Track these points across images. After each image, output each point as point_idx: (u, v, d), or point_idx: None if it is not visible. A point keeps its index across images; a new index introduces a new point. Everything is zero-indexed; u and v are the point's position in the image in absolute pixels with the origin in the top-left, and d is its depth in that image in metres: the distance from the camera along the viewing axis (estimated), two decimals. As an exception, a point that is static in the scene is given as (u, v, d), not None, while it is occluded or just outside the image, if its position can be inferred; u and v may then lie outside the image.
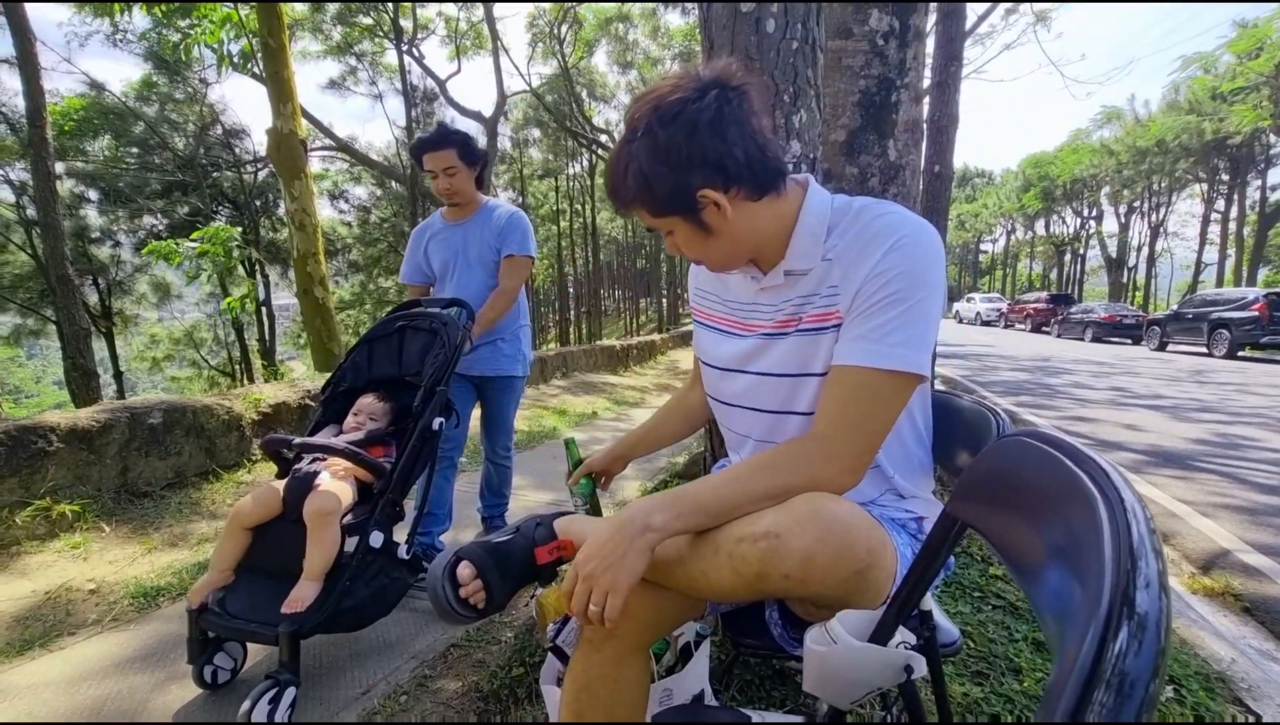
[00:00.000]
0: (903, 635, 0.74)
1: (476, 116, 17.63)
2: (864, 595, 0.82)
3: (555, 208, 34.74)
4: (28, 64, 8.07)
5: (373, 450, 1.89)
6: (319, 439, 1.88)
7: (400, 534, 1.89)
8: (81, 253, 17.31)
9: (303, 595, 1.57)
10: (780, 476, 0.87)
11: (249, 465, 3.69)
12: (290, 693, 1.52)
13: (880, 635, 0.74)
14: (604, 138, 21.04)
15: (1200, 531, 2.96)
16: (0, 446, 2.65)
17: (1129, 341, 17.59)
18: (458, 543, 2.67)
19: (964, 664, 1.70)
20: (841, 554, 0.77)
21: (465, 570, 1.00)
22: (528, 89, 19.15)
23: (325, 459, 1.82)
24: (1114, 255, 37.45)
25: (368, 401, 2.04)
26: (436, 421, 1.93)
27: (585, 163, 29.94)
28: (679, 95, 0.88)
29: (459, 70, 19.83)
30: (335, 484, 1.73)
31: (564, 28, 18.73)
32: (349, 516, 1.73)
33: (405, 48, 17.82)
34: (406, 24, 17.90)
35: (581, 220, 34.78)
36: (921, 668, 0.72)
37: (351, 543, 1.71)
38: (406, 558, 1.87)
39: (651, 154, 0.89)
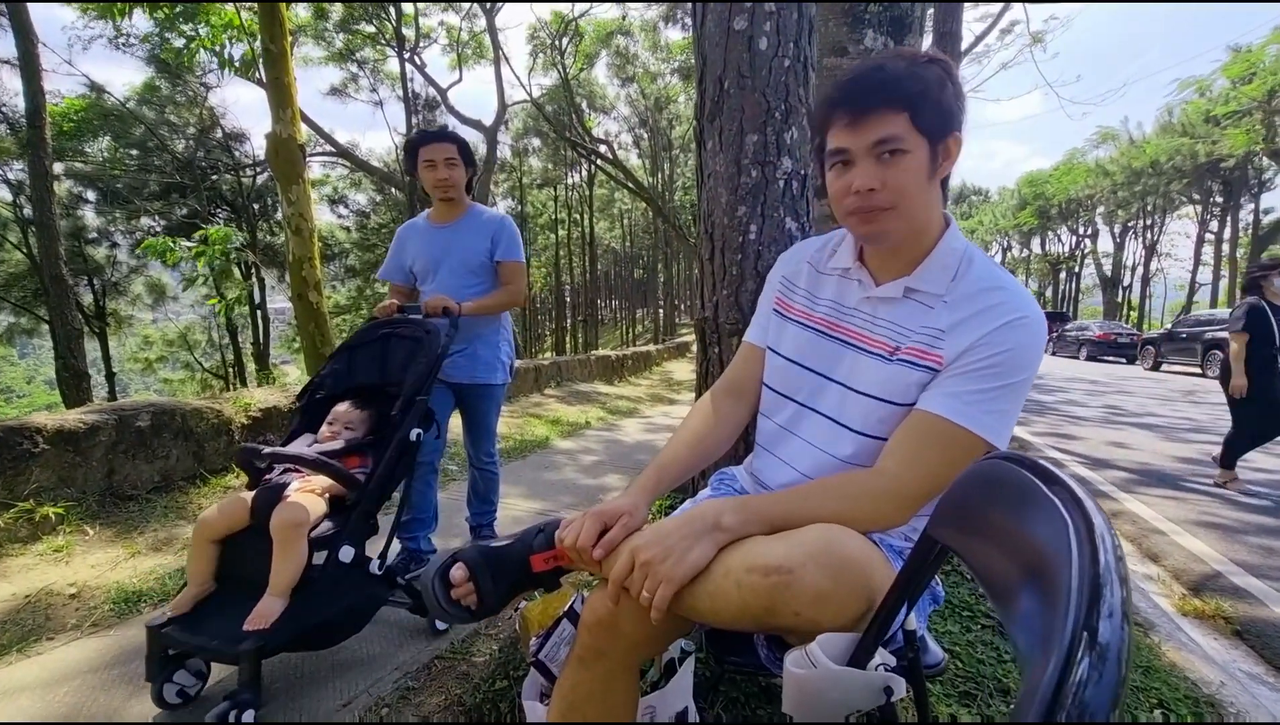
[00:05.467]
0: (882, 657, 0.73)
1: (477, 125, 17.71)
2: (860, 626, 0.81)
3: (554, 217, 34.83)
4: (29, 64, 8.08)
5: (348, 460, 1.82)
6: (292, 448, 1.83)
7: (376, 547, 1.85)
8: (77, 252, 17.27)
9: (266, 611, 1.51)
10: (844, 504, 0.90)
11: (237, 470, 3.66)
12: (249, 715, 1.45)
13: (859, 657, 0.73)
14: (603, 148, 21.15)
15: (1190, 552, 2.96)
16: (-15, 447, 2.63)
17: (1123, 360, 17.65)
18: (447, 550, 2.66)
19: (952, 684, 1.69)
20: (855, 593, 0.77)
21: (458, 572, 0.99)
22: (528, 99, 19.24)
23: (298, 470, 1.78)
24: (1109, 274, 37.72)
25: (343, 410, 1.96)
26: (415, 432, 1.87)
27: (584, 172, 30.07)
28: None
29: (460, 79, 19.98)
30: (304, 496, 1.68)
31: (565, 40, 18.85)
32: (319, 529, 1.66)
33: (407, 56, 17.91)
34: (409, 32, 18.00)
35: (580, 230, 34.86)
36: (901, 690, 0.71)
37: (323, 557, 1.67)
38: (380, 573, 1.80)
39: (948, 79, 0.93)
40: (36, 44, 8.15)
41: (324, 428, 1.93)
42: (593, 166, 24.97)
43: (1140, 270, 36.55)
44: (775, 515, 0.89)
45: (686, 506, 1.18)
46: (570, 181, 32.72)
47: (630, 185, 20.31)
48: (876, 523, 0.92)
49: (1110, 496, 3.88)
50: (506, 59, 17.25)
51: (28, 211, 15.28)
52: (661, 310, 38.33)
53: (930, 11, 5.77)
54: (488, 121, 17.14)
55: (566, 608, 1.35)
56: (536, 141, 28.72)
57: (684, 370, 13.75)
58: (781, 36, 1.51)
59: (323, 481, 1.75)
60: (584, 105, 23.97)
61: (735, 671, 1.54)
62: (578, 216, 34.74)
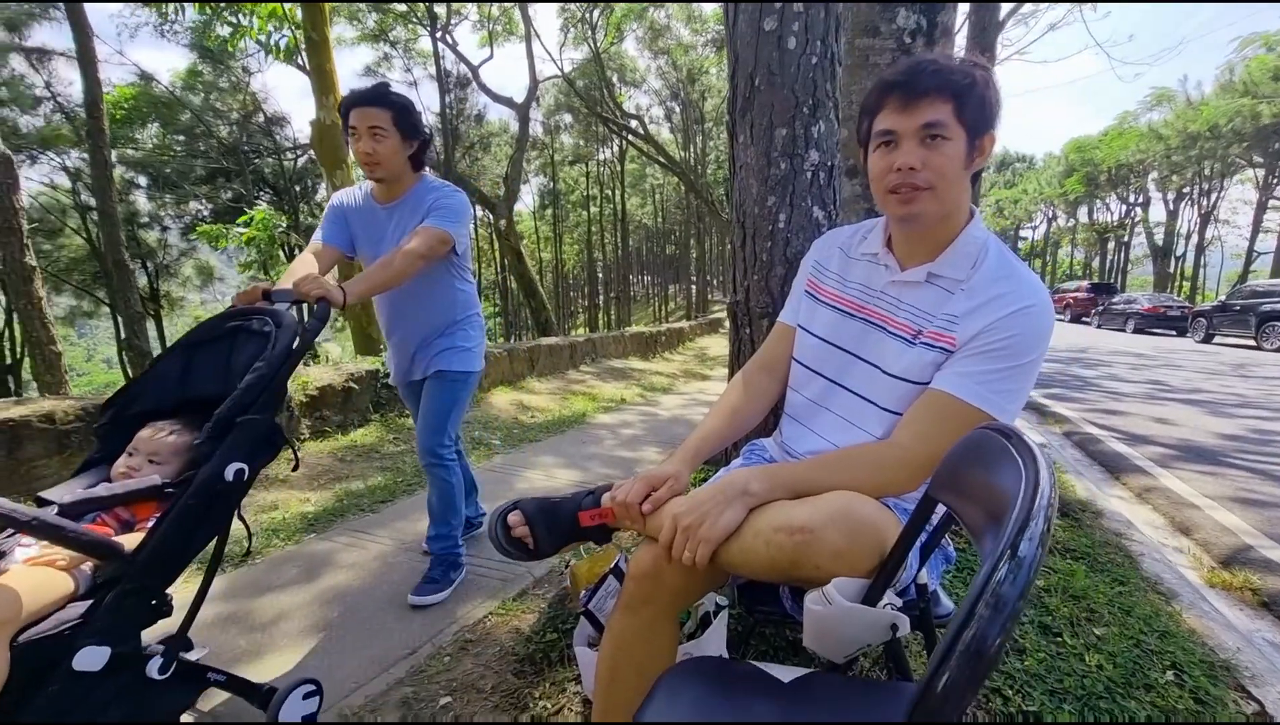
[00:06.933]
0: (890, 598, 0.85)
1: (509, 102, 17.79)
2: (871, 575, 0.93)
3: (586, 193, 34.85)
4: (85, 57, 8.44)
5: (141, 509, 1.36)
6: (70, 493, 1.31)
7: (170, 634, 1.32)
8: (131, 237, 18.04)
9: None
10: (860, 473, 1.02)
11: (300, 443, 3.91)
12: None
13: (870, 599, 0.86)
14: (634, 123, 21.02)
15: (1223, 526, 2.97)
16: (79, 422, 2.89)
17: (1173, 333, 17.05)
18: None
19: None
20: (868, 551, 0.89)
21: (515, 517, 1.17)
22: (559, 74, 19.20)
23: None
24: (1160, 244, 36.10)
25: (149, 434, 1.46)
26: (232, 467, 1.30)
27: (615, 148, 29.94)
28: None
29: (491, 56, 19.99)
30: (29, 573, 1.15)
31: (595, 13, 18.69)
32: (56, 620, 1.12)
33: (439, 34, 18.01)
34: (440, 10, 18.07)
35: (611, 206, 34.85)
36: (906, 627, 0.84)
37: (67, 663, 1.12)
38: (164, 674, 1.26)
39: (990, 80, 1.04)
40: (92, 38, 8.51)
41: (121, 459, 1.45)
42: (624, 142, 24.85)
43: (1195, 239, 34.90)
44: (798, 482, 1.01)
45: (719, 476, 1.31)
46: (601, 157, 32.63)
47: (662, 160, 20.20)
48: (890, 489, 1.03)
49: (1146, 472, 3.86)
50: (537, 34, 17.21)
51: (84, 198, 16.05)
52: (694, 286, 38.15)
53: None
54: (519, 99, 17.20)
55: (612, 565, 1.50)
56: (568, 118, 28.66)
57: (717, 346, 13.76)
58: (809, 35, 1.58)
59: (67, 551, 1.18)
60: (615, 79, 23.78)
61: (764, 623, 1.68)
62: (609, 193, 34.70)
